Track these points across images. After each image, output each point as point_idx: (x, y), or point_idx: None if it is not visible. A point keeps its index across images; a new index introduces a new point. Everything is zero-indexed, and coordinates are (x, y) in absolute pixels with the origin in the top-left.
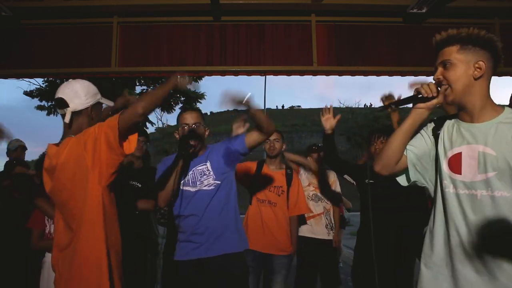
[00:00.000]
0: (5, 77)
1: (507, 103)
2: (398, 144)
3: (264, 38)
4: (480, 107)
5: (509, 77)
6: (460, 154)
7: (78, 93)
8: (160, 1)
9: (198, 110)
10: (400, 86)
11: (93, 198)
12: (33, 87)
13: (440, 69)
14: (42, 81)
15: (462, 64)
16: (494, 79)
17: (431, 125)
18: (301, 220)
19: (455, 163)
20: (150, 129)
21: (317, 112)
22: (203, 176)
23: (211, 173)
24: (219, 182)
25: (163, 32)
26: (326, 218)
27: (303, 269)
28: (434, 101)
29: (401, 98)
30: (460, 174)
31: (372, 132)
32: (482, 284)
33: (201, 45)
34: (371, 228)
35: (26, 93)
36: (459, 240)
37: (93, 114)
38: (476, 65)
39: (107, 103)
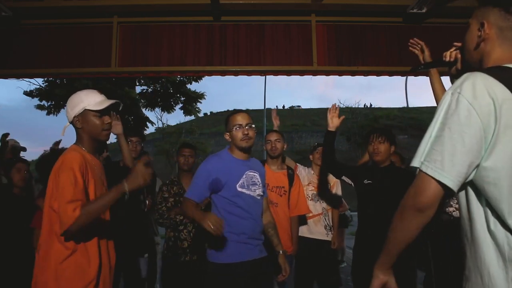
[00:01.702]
0: (5, 77)
1: None
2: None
3: (264, 38)
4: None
5: None
6: None
7: (66, 109)
8: (160, 1)
9: (247, 113)
10: (400, 86)
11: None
12: (33, 87)
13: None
14: (42, 81)
15: (471, 26)
16: None
17: None
18: (302, 220)
19: None
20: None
21: (317, 112)
22: (254, 185)
23: (260, 184)
24: (262, 195)
25: (163, 32)
26: (325, 219)
27: (301, 270)
28: (453, 68)
29: (431, 61)
30: None
31: (372, 132)
32: None
33: (201, 45)
34: (369, 229)
35: (26, 93)
36: None
37: (79, 123)
38: (480, 27)
39: (94, 108)
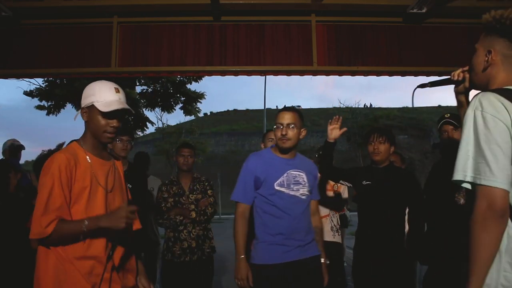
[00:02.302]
0: (5, 77)
1: None
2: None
3: (264, 38)
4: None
5: None
6: None
7: (82, 96)
8: (160, 1)
9: (295, 111)
10: (400, 86)
11: None
12: (33, 87)
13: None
14: (42, 81)
15: (478, 51)
16: None
17: None
18: None
19: None
20: (150, 129)
21: (317, 112)
22: (297, 185)
23: (306, 184)
24: (310, 195)
25: (163, 32)
26: (332, 220)
27: None
28: (461, 86)
29: (438, 80)
30: None
31: (372, 131)
32: None
33: (201, 45)
34: (369, 229)
35: (26, 93)
36: None
37: (85, 116)
38: (486, 54)
39: (100, 108)
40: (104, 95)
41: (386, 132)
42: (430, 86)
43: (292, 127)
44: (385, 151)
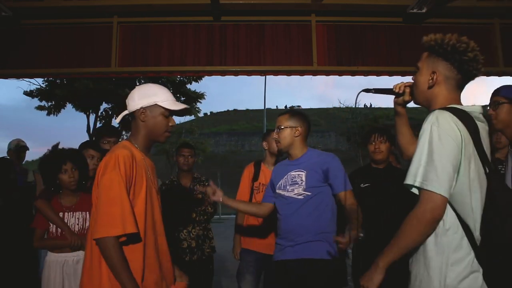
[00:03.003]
0: (5, 77)
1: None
2: (399, 134)
3: (264, 38)
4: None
5: (509, 77)
6: None
7: (133, 96)
8: (160, 1)
9: (287, 112)
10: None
11: None
12: (33, 87)
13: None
14: (42, 81)
15: (422, 70)
16: (494, 79)
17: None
18: None
19: None
20: None
21: (317, 112)
22: (294, 185)
23: (303, 183)
24: (309, 193)
25: (163, 32)
26: None
27: None
28: (400, 98)
29: (382, 88)
30: None
31: (372, 131)
32: None
33: (201, 45)
34: (372, 229)
35: (26, 93)
36: None
37: (144, 116)
38: (431, 75)
39: (168, 106)
40: (166, 95)
41: (386, 131)
42: (374, 93)
43: (282, 128)
44: (386, 150)
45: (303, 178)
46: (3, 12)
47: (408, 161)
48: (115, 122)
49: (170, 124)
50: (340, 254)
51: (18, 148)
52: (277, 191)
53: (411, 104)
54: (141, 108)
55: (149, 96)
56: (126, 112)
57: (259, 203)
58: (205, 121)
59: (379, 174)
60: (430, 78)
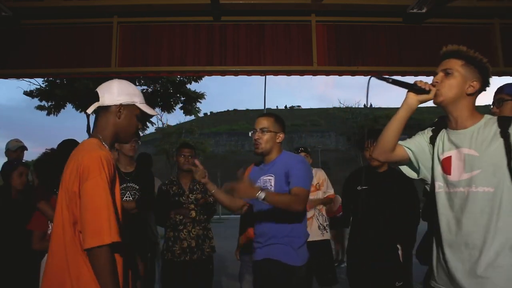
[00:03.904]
0: (5, 77)
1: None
2: (392, 130)
3: (264, 38)
4: (465, 117)
5: (509, 77)
6: (450, 157)
7: (111, 89)
8: (160, 1)
9: (272, 115)
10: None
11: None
12: (33, 87)
13: (441, 74)
14: (42, 81)
15: (461, 77)
16: (494, 79)
17: (429, 133)
18: None
19: (447, 165)
20: (150, 129)
21: (317, 112)
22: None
23: (273, 188)
24: None
25: (163, 32)
26: (318, 220)
27: None
28: (425, 96)
29: (401, 80)
30: (450, 174)
31: (366, 138)
32: (465, 273)
33: (201, 45)
34: (371, 229)
35: (26, 93)
36: (449, 233)
37: (121, 114)
38: (471, 83)
39: (146, 110)
40: (142, 97)
41: (379, 135)
42: (390, 83)
43: (265, 131)
44: None
45: (272, 183)
46: (3, 12)
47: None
48: (88, 112)
49: (139, 127)
50: (327, 255)
51: (16, 148)
52: None
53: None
54: (120, 104)
55: (129, 94)
56: (99, 103)
57: (235, 198)
58: (205, 121)
59: (378, 176)
60: (471, 86)
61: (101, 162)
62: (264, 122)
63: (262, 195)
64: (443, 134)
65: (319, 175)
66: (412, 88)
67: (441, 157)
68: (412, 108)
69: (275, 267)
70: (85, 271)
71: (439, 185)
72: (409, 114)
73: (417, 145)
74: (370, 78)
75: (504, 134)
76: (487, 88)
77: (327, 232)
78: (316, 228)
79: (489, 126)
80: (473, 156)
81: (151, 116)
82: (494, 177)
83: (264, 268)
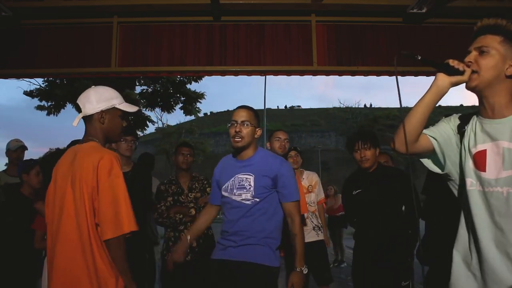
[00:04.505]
0: (5, 77)
1: None
2: (419, 116)
3: (264, 38)
4: (504, 104)
5: None
6: (485, 151)
7: (90, 99)
8: (160, 1)
9: (251, 109)
10: (400, 86)
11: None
12: (33, 87)
13: (474, 53)
14: (42, 81)
15: (499, 56)
16: None
17: (456, 121)
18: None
19: (480, 160)
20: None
21: (317, 112)
22: (242, 189)
23: (252, 188)
24: (257, 200)
25: (163, 32)
26: (312, 221)
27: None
28: (458, 77)
29: (432, 60)
30: (485, 171)
31: (355, 139)
32: None
33: (201, 45)
34: (371, 229)
35: (26, 93)
36: (491, 240)
37: (103, 119)
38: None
39: (126, 109)
40: (121, 97)
41: (368, 136)
42: (420, 60)
43: (246, 124)
44: (372, 157)
45: (251, 183)
46: (3, 12)
47: (404, 156)
48: (74, 124)
49: (124, 125)
50: (322, 255)
51: (17, 148)
52: (223, 193)
53: (410, 104)
54: (101, 111)
55: (107, 99)
56: (82, 114)
57: (209, 212)
58: (205, 121)
59: (370, 176)
60: (510, 66)
61: (117, 161)
62: (244, 115)
63: (305, 270)
64: (474, 123)
65: (311, 178)
66: (444, 68)
67: (473, 151)
68: (443, 91)
69: (256, 269)
70: (101, 264)
71: (471, 182)
72: (438, 98)
73: (442, 134)
74: (396, 57)
75: None
76: None
77: (321, 232)
78: (311, 229)
79: None
80: None
81: (133, 113)
82: None
83: (242, 269)
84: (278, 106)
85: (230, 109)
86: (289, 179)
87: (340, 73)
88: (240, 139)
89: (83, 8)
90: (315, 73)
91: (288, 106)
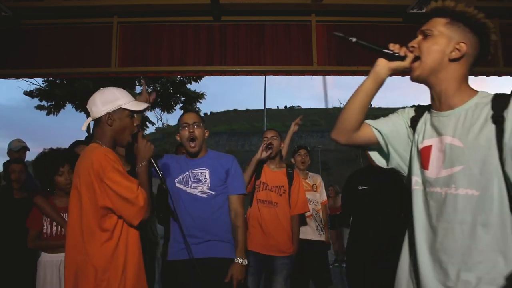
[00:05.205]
0: (5, 77)
1: None
2: (356, 105)
3: (264, 38)
4: (450, 93)
5: (509, 77)
6: (430, 147)
7: (95, 102)
8: (160, 1)
9: (197, 112)
10: (400, 86)
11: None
12: (33, 87)
13: (418, 37)
14: (42, 81)
15: (442, 38)
16: (494, 79)
17: (410, 112)
18: (302, 221)
19: (425, 157)
20: (150, 128)
21: (317, 112)
22: (197, 183)
23: (207, 181)
24: (213, 193)
25: (163, 32)
26: (316, 220)
27: (295, 271)
28: (398, 62)
29: (371, 42)
30: (427, 169)
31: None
32: None
33: (201, 45)
34: (371, 229)
35: (26, 93)
36: (425, 243)
37: (111, 121)
38: (457, 46)
39: (133, 108)
40: (128, 97)
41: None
42: (354, 42)
43: (197, 125)
44: None
45: (207, 176)
46: (3, 12)
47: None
48: (82, 129)
49: (135, 123)
50: (322, 256)
51: (19, 149)
52: (177, 185)
53: (410, 103)
54: (107, 113)
55: (112, 101)
56: (90, 119)
57: None
58: (205, 121)
59: (378, 176)
60: (455, 49)
61: (107, 155)
62: (194, 117)
63: (245, 262)
64: (426, 116)
65: (315, 178)
66: (383, 52)
67: (420, 146)
68: (381, 77)
69: (223, 264)
70: (107, 261)
71: (416, 180)
72: (377, 86)
73: (391, 126)
74: (337, 36)
75: (496, 119)
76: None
77: (323, 233)
78: (314, 227)
79: (481, 107)
80: (456, 147)
81: (141, 111)
82: (480, 176)
83: (212, 265)
84: (278, 106)
85: (230, 109)
86: (238, 174)
87: (340, 73)
88: (194, 143)
89: (83, 8)
90: (315, 73)
91: (288, 106)
